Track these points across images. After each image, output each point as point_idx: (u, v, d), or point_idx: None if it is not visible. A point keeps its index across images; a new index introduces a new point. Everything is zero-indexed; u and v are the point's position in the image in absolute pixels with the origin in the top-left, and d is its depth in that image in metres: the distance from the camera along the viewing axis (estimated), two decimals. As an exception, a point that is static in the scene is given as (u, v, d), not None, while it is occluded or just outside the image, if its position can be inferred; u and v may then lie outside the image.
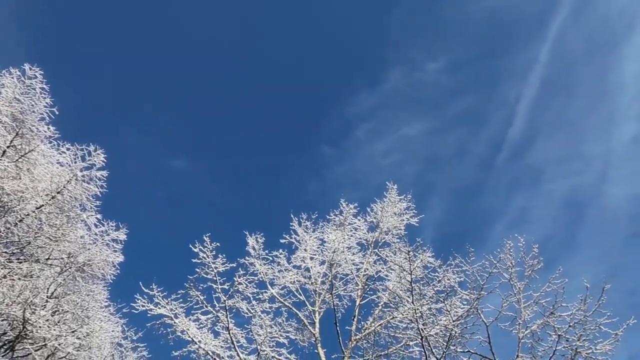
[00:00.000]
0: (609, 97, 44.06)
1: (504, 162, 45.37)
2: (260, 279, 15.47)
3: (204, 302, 13.58)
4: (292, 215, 17.30)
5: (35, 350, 13.40)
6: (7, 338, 13.24)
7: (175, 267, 33.64)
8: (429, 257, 14.79)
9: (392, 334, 14.76)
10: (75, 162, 15.25)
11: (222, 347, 13.36)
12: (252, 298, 14.68)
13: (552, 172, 44.70)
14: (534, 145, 46.25)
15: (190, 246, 13.59)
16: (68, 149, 15.24)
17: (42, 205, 14.33)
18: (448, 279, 13.92)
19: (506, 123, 46.57)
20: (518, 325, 12.97)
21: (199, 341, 13.10)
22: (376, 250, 16.82)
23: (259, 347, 12.60)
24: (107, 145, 15.22)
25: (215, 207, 44.63)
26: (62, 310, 14.78)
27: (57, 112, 15.15)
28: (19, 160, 14.07)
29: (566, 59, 45.32)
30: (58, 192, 14.92)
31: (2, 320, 13.01)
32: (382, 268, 16.06)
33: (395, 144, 48.72)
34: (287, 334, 14.67)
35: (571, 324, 12.44)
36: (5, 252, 13.83)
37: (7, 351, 13.32)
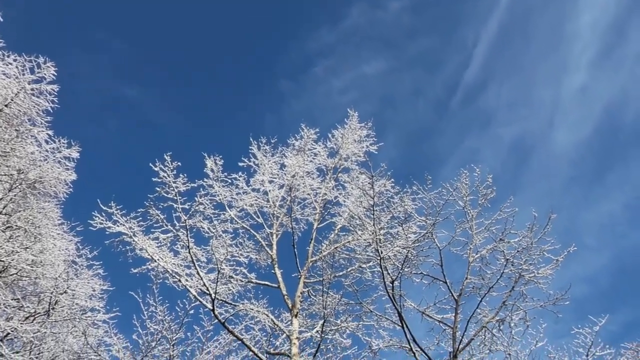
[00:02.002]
0: (563, 45, 44.81)
1: (458, 105, 46.05)
2: (219, 201, 15.46)
3: (164, 221, 13.49)
4: (251, 139, 17.08)
5: (-13, 266, 13.14)
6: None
7: (129, 188, 33.24)
8: (390, 183, 15.17)
9: (349, 257, 15.22)
10: (24, 75, 14.44)
11: (180, 265, 13.43)
12: (212, 218, 14.73)
13: (502, 116, 45.81)
14: (487, 90, 47.00)
15: (151, 165, 13.29)
16: (15, 60, 14.37)
17: (-11, 118, 13.63)
18: (405, 205, 14.33)
19: (462, 66, 46.90)
20: (469, 250, 13.67)
21: (158, 259, 13.10)
22: (335, 175, 17.00)
23: (218, 266, 12.73)
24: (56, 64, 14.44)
25: (169, 135, 43.65)
26: (14, 226, 14.43)
27: (1, 20, 14.18)
28: (-40, 68, 13.19)
29: (525, 4, 45.34)
30: (5, 105, 14.19)
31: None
32: (341, 193, 16.31)
33: (353, 81, 48.50)
34: (248, 254, 14.91)
35: (518, 250, 13.19)
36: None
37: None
